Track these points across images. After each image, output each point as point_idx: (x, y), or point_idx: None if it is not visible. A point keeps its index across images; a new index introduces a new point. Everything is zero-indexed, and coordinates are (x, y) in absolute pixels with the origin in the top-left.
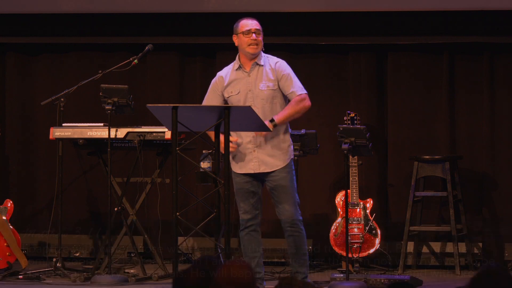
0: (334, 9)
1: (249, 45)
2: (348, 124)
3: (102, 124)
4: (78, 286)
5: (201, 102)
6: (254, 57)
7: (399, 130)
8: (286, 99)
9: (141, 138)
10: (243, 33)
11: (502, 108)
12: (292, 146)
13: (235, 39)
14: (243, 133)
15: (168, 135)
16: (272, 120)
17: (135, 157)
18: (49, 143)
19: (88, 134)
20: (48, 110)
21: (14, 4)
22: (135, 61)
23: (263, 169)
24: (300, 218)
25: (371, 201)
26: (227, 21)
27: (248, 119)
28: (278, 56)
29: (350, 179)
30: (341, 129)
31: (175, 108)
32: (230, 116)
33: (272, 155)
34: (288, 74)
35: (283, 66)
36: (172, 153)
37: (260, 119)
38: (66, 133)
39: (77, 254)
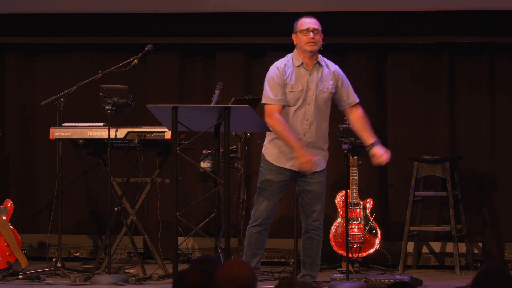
0: (334, 9)
1: (306, 43)
2: (348, 124)
3: (102, 124)
4: (78, 286)
5: (201, 102)
6: (313, 55)
7: (399, 130)
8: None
9: (141, 138)
10: (301, 31)
11: (502, 108)
12: None
13: (294, 37)
14: (295, 129)
15: (168, 135)
16: (376, 142)
17: (135, 157)
18: (49, 143)
19: (88, 134)
20: (48, 110)
21: (14, 4)
22: (135, 61)
23: None
24: (323, 223)
25: (371, 201)
26: (227, 21)
27: (248, 119)
28: (278, 56)
29: (350, 179)
30: (341, 129)
31: (175, 108)
32: (230, 116)
33: (317, 155)
34: (347, 80)
35: (341, 71)
36: (172, 153)
37: (260, 119)
38: (66, 133)
39: (77, 254)
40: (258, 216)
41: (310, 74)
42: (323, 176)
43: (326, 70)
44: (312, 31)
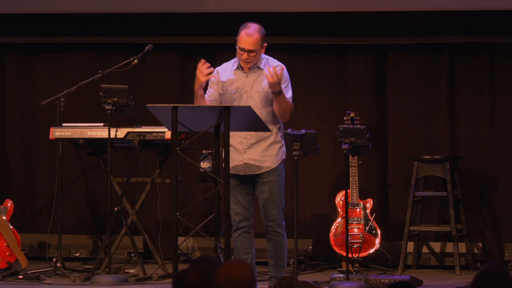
0: (334, 9)
1: (242, 61)
2: (348, 124)
3: (102, 124)
4: (78, 286)
5: None
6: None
7: (399, 130)
8: None
9: (141, 138)
10: (238, 47)
11: (502, 108)
12: (284, 148)
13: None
14: (234, 134)
15: (168, 135)
16: (279, 92)
17: (135, 157)
18: (49, 143)
19: (88, 134)
20: (48, 110)
21: (14, 4)
22: (135, 61)
23: (252, 171)
24: (283, 223)
25: (371, 201)
26: (227, 21)
27: (248, 119)
28: (278, 56)
29: (350, 179)
30: (341, 129)
31: (175, 108)
32: (230, 116)
33: (262, 157)
34: (284, 83)
35: (283, 71)
36: (172, 153)
37: (260, 119)
38: (66, 133)
39: (77, 254)
40: (233, 221)
41: (247, 77)
42: (272, 176)
43: (265, 71)
44: (247, 51)
